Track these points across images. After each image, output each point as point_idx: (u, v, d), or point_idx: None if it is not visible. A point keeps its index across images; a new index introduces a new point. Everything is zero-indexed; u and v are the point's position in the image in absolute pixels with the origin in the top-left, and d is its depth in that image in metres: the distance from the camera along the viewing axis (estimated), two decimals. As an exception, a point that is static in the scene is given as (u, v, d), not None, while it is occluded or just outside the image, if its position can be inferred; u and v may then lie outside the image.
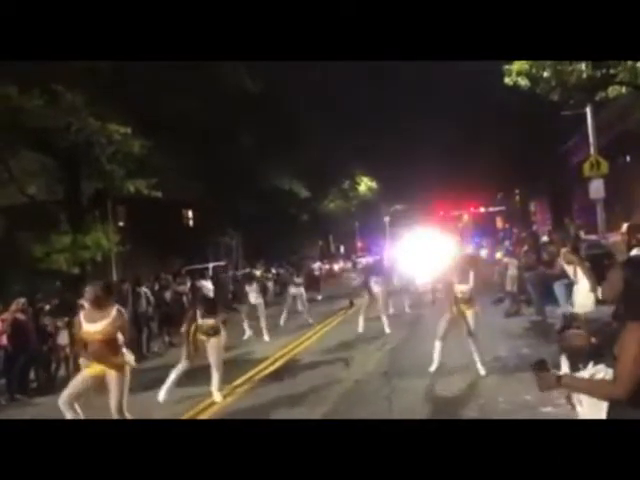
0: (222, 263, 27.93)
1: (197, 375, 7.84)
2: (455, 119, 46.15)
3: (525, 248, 12.37)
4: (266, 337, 12.52)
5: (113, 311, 5.68)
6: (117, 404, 5.53)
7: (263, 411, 6.76)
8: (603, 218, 16.00)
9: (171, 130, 22.03)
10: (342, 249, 60.97)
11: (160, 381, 7.81)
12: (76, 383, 5.71)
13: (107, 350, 5.57)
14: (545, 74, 11.41)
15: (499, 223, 57.52)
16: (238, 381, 8.39)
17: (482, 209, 54.91)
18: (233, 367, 8.92)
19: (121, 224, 23.13)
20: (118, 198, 19.94)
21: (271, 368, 9.40)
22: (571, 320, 7.74)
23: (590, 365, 2.78)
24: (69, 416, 5.57)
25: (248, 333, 12.84)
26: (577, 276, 7.84)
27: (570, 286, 8.51)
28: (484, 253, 28.41)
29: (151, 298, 13.39)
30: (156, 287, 15.21)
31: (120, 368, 5.61)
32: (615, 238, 14.13)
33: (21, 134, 15.74)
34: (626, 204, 21.69)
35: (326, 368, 8.94)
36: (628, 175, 22.32)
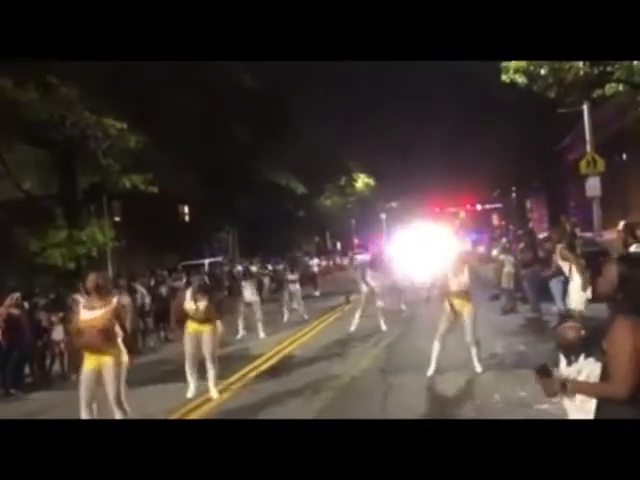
0: (218, 259, 27.88)
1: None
2: (452, 116, 46.13)
3: (521, 245, 12.38)
4: (261, 334, 12.47)
5: (113, 301, 5.71)
6: (115, 396, 5.50)
7: (258, 408, 6.74)
8: (599, 216, 16.04)
9: (167, 125, 21.97)
10: (338, 246, 60.99)
11: (155, 376, 7.80)
12: (81, 388, 5.64)
13: (103, 340, 5.52)
14: (542, 71, 11.40)
15: (495, 220, 57.64)
16: (233, 378, 8.37)
17: (479, 206, 54.96)
18: (228, 363, 8.90)
19: (117, 219, 23.07)
20: (114, 193, 19.86)
21: (266, 365, 9.39)
22: (566, 317, 7.76)
23: (581, 358, 2.78)
24: (86, 417, 5.56)
25: (242, 333, 12.74)
26: (572, 273, 7.86)
27: (566, 283, 8.53)
28: (480, 250, 28.45)
29: (146, 293, 13.37)
30: (152, 282, 15.19)
31: (116, 359, 5.57)
32: (611, 236, 14.15)
33: (16, 127, 15.66)
34: (622, 202, 21.72)
35: (322, 364, 8.94)
36: (624, 173, 22.36)
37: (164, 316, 13.90)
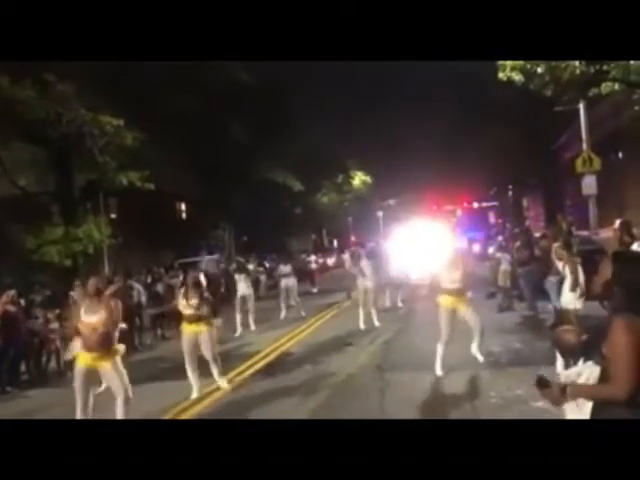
0: (215, 256, 27.85)
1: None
2: (449, 114, 46.12)
3: (518, 244, 12.40)
4: (252, 327, 12.75)
5: (111, 302, 5.84)
6: (124, 394, 5.58)
7: (254, 404, 6.76)
8: (595, 214, 16.08)
9: (164, 123, 21.92)
10: (335, 243, 60.99)
11: (152, 374, 7.80)
12: (78, 389, 5.69)
13: (105, 341, 5.66)
14: (539, 70, 11.41)
15: (492, 218, 57.64)
16: (229, 376, 8.37)
17: (475, 204, 54.97)
18: (225, 361, 8.90)
19: (113, 216, 22.98)
20: (110, 190, 19.79)
21: (263, 362, 9.40)
22: (561, 316, 7.79)
23: (580, 362, 2.78)
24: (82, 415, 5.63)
25: (240, 330, 12.76)
26: (566, 272, 7.88)
27: (562, 282, 8.55)
28: (476, 248, 28.47)
29: (142, 291, 13.35)
30: (148, 280, 15.17)
31: (115, 358, 5.69)
32: (607, 234, 14.18)
33: (12, 125, 15.60)
34: (618, 200, 21.75)
35: (319, 361, 8.95)
36: (620, 171, 22.37)
37: (161, 313, 13.91)
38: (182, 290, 7.75)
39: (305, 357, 9.44)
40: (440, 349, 7.33)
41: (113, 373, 5.63)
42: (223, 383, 7.61)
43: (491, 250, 17.76)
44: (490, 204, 55.86)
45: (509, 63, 11.35)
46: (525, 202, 48.03)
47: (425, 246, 15.68)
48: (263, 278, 23.49)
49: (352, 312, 13.29)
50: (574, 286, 7.42)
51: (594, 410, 2.47)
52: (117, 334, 5.86)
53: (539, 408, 5.09)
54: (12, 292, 10.04)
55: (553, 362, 5.74)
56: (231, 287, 15.87)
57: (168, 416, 6.58)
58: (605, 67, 11.12)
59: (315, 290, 22.17)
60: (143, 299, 13.32)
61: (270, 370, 8.73)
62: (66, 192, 18.65)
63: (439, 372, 7.27)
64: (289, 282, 15.14)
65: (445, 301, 7.39)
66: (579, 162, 15.87)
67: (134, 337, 12.29)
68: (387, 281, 14.01)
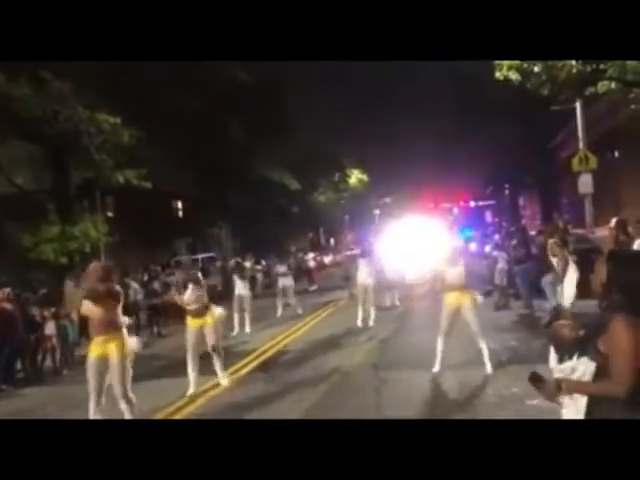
0: (211, 254, 27.85)
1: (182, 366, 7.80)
2: (446, 113, 46.18)
3: (514, 242, 12.43)
4: (247, 328, 12.65)
5: (116, 287, 5.84)
6: (121, 388, 5.55)
7: (249, 403, 6.76)
8: (591, 213, 16.13)
9: (161, 121, 21.87)
10: (332, 242, 61.02)
11: (149, 372, 7.80)
12: (91, 380, 5.65)
13: (112, 324, 5.64)
14: (536, 69, 11.42)
15: (489, 217, 57.73)
16: (224, 373, 8.36)
17: (472, 203, 55.06)
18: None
19: (110, 214, 22.97)
20: (107, 188, 19.75)
21: (259, 360, 9.40)
22: (557, 313, 7.82)
23: (575, 357, 2.79)
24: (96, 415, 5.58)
25: (237, 329, 12.76)
26: (559, 269, 7.91)
27: (556, 280, 8.59)
28: (473, 247, 28.51)
29: (139, 289, 13.35)
30: (145, 278, 15.16)
31: (122, 345, 5.65)
32: (603, 233, 14.24)
33: (8, 122, 15.55)
34: (614, 199, 21.81)
35: (315, 359, 8.96)
36: (616, 170, 22.43)
37: (157, 311, 13.91)
38: (183, 287, 7.81)
39: (301, 355, 9.45)
40: (440, 342, 7.27)
41: (116, 366, 5.57)
42: (224, 380, 7.63)
43: (488, 248, 17.79)
44: (487, 203, 55.97)
45: (506, 62, 11.36)
46: (521, 201, 48.16)
47: (421, 244, 15.70)
48: (260, 276, 23.50)
49: (348, 310, 13.31)
50: (569, 283, 7.45)
51: (589, 406, 2.48)
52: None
53: (535, 406, 5.11)
54: (8, 290, 10.03)
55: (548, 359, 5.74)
56: (229, 285, 15.88)
57: (163, 414, 6.58)
58: (602, 66, 11.13)
59: (312, 288, 22.21)
60: (140, 297, 13.31)
61: (265, 368, 8.74)
62: (63, 190, 18.59)
63: (437, 368, 7.23)
64: (286, 282, 15.17)
65: (449, 298, 7.29)
66: (575, 161, 15.91)
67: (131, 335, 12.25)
68: (384, 279, 14.01)
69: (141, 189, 18.38)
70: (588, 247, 10.84)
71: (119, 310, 5.77)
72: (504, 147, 34.98)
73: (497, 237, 17.96)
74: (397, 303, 14.50)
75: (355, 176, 57.44)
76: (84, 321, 5.87)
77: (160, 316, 14.00)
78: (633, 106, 13.31)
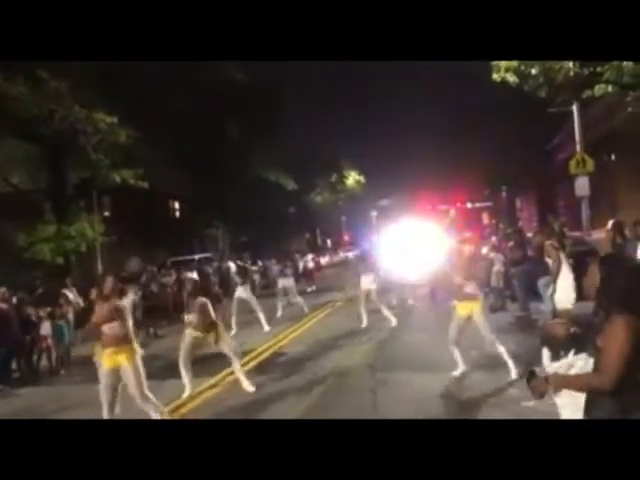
0: (208, 255, 27.81)
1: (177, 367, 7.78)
2: (444, 116, 46.27)
3: (511, 244, 12.43)
4: (266, 327, 12.56)
5: (126, 299, 5.90)
6: (139, 390, 5.64)
7: (249, 402, 6.75)
8: (588, 215, 16.15)
9: (158, 121, 21.86)
10: (329, 243, 61.05)
11: (146, 372, 7.74)
12: (103, 390, 5.71)
13: (123, 335, 5.70)
14: (533, 71, 11.45)
15: (485, 219, 57.81)
16: (222, 374, 8.35)
17: (469, 204, 55.13)
18: (217, 359, 8.88)
19: (106, 214, 22.92)
20: (104, 188, 19.74)
21: (255, 361, 9.39)
22: (554, 316, 7.81)
23: (571, 354, 2.81)
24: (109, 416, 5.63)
25: (235, 330, 12.72)
26: (553, 270, 7.90)
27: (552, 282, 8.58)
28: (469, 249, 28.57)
29: (136, 289, 13.31)
30: (142, 278, 15.13)
31: (133, 354, 5.72)
32: (600, 235, 14.26)
33: (5, 121, 15.52)
34: (611, 201, 21.86)
35: (314, 359, 8.95)
36: (613, 173, 22.49)
37: (153, 312, 13.88)
38: (184, 298, 7.80)
39: (300, 355, 9.44)
40: (454, 350, 7.11)
41: (131, 372, 5.64)
42: (249, 387, 7.42)
43: (484, 250, 17.80)
44: (484, 204, 56.06)
45: (503, 64, 11.39)
46: (518, 203, 48.27)
47: (419, 246, 15.70)
48: (257, 277, 23.49)
49: (346, 311, 13.30)
50: (562, 285, 7.44)
51: (587, 405, 2.49)
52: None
53: (531, 408, 5.11)
54: (3, 289, 9.99)
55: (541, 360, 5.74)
56: (226, 286, 15.84)
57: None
58: (599, 69, 11.16)
59: (309, 289, 22.23)
60: (136, 298, 13.26)
61: (262, 368, 8.73)
62: (59, 190, 18.57)
63: (460, 370, 7.09)
64: (286, 282, 15.17)
65: (461, 309, 7.04)
66: (572, 163, 15.93)
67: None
68: (384, 281, 14.00)
69: (138, 189, 18.37)
70: (584, 250, 10.85)
71: (129, 323, 5.80)
72: (501, 149, 35.08)
73: (494, 239, 17.96)
74: (394, 302, 14.45)
75: (352, 177, 57.52)
76: (81, 321, 5.87)
77: (156, 317, 13.97)
78: (630, 109, 13.33)
